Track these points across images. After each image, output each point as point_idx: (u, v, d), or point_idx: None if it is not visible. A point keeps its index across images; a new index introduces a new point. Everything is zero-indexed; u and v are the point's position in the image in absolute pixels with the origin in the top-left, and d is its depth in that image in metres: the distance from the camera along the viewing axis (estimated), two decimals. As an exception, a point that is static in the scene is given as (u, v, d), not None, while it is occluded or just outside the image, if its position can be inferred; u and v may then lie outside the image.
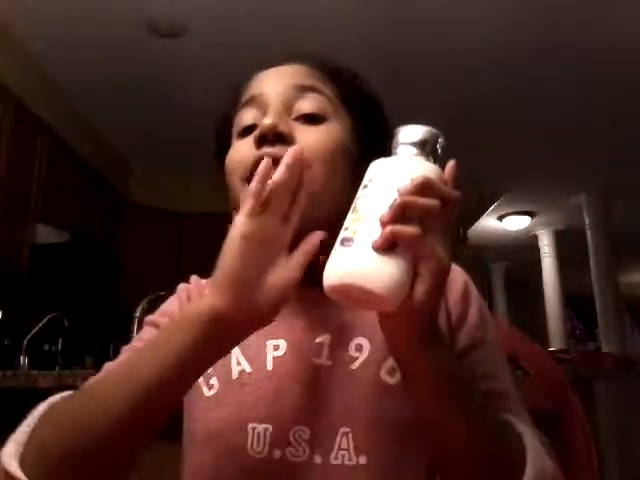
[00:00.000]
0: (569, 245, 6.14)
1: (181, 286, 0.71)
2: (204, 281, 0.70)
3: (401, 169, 0.47)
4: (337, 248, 0.45)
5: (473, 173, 5.12)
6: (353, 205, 0.48)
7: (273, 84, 0.62)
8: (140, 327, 2.27)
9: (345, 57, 0.68)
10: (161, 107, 3.80)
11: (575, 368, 1.41)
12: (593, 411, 1.50)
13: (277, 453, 0.54)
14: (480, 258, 6.73)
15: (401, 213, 0.42)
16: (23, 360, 2.78)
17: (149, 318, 0.68)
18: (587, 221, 5.49)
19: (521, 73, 3.41)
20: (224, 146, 0.66)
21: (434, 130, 0.50)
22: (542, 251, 6.59)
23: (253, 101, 0.62)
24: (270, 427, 0.55)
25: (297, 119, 0.60)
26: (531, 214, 6.08)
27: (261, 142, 0.58)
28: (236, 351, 0.60)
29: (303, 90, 0.61)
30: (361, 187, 0.48)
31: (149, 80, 3.48)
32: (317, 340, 0.59)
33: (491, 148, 4.44)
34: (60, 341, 3.06)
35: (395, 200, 0.43)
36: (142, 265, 4.09)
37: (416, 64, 3.32)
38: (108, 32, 3.01)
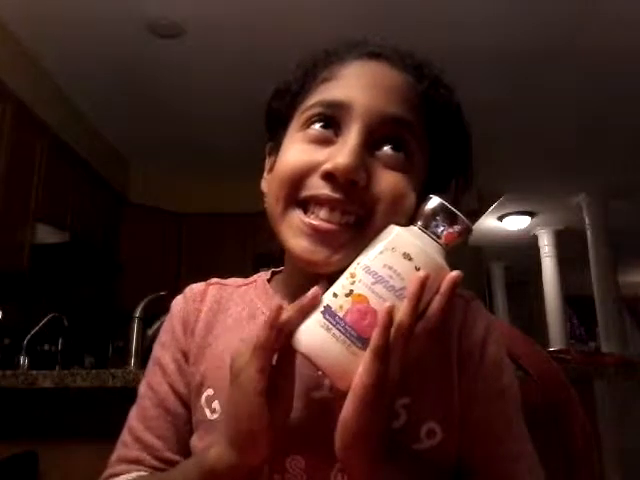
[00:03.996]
0: (569, 245, 6.13)
1: (175, 302, 0.67)
2: (201, 286, 0.68)
3: (408, 263, 0.46)
4: (320, 318, 0.46)
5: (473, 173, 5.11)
6: (354, 267, 0.48)
7: (365, 97, 0.54)
8: (140, 327, 2.22)
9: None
10: (161, 107, 3.80)
11: (575, 368, 1.40)
12: (593, 411, 1.50)
13: (277, 478, 0.54)
14: (480, 258, 6.73)
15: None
16: (23, 360, 2.78)
17: (154, 353, 0.65)
18: (587, 221, 5.49)
19: (521, 73, 3.41)
20: (279, 116, 0.61)
21: (464, 219, 0.48)
22: (542, 251, 6.59)
23: (336, 107, 0.54)
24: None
25: (379, 158, 0.54)
26: (531, 214, 6.08)
27: (328, 178, 0.52)
28: None
29: (397, 129, 0.54)
30: (368, 252, 0.48)
31: (149, 80, 3.48)
32: (319, 372, 0.56)
33: (491, 148, 4.44)
34: (60, 341, 3.07)
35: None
36: (142, 265, 4.09)
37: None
38: (108, 32, 3.01)
